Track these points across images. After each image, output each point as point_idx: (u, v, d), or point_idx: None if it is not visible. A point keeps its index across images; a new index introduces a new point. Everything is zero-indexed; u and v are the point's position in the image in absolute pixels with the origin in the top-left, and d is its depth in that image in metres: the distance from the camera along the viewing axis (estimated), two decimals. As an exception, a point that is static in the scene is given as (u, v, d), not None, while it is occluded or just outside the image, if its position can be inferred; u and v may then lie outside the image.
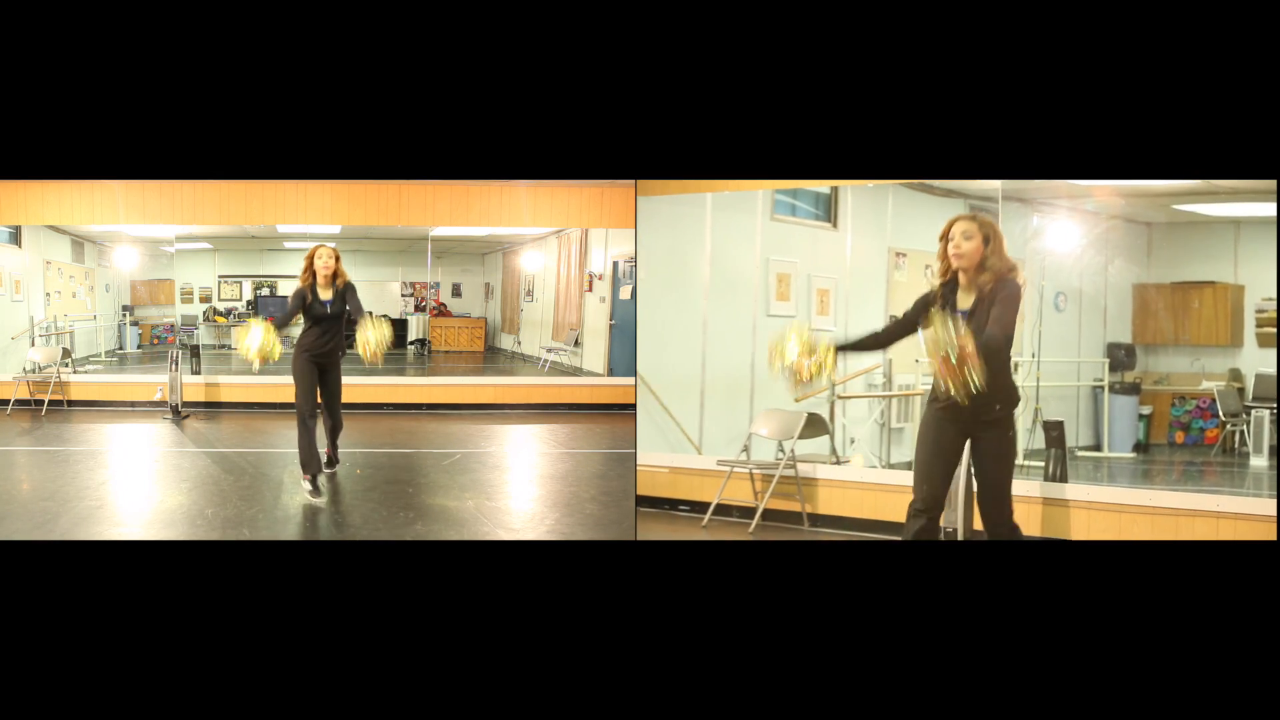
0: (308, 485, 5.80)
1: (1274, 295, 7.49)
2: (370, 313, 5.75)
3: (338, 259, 6.00)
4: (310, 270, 5.93)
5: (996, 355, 3.75)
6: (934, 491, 3.94)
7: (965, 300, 3.89)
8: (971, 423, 3.89)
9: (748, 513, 6.15)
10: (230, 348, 14.64)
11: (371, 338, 5.58)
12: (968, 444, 4.00)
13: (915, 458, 4.05)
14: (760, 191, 6.78)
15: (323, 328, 5.97)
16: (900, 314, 4.10)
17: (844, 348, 4.04)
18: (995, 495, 3.96)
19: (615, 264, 10.91)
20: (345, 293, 5.96)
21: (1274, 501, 4.91)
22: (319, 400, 6.05)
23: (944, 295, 3.93)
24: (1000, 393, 3.84)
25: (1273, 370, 7.48)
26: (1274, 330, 7.52)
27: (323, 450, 6.17)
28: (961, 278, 3.90)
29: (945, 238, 3.92)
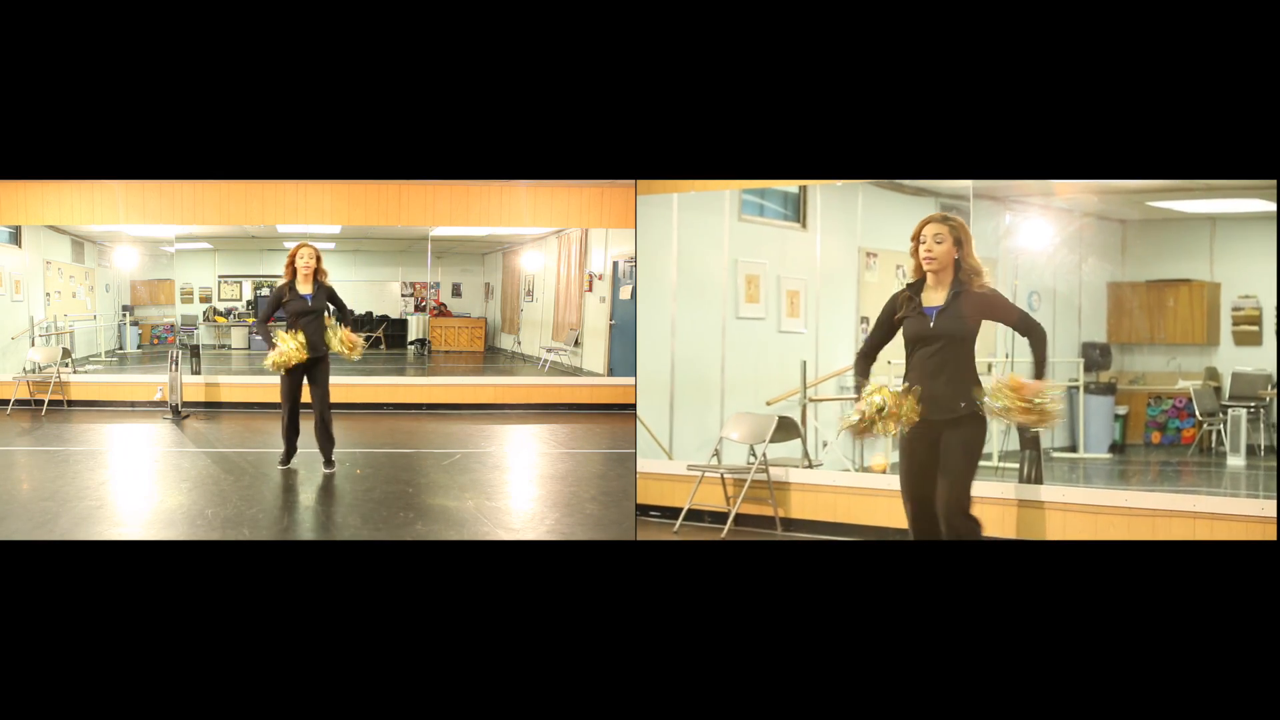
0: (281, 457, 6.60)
1: (1249, 292, 7.46)
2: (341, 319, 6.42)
3: (319, 258, 6.34)
4: (291, 266, 6.31)
5: (1039, 334, 3.98)
6: (920, 508, 3.94)
7: (935, 298, 3.94)
8: (940, 425, 3.90)
9: (720, 517, 6.12)
10: (230, 347, 14.64)
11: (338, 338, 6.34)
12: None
13: (900, 474, 4.03)
14: (727, 191, 6.71)
15: (303, 323, 6.26)
16: (871, 315, 4.14)
17: (859, 383, 4.07)
18: (952, 482, 3.89)
19: (615, 264, 10.92)
20: (330, 294, 6.40)
21: (1251, 502, 4.90)
22: (308, 400, 6.44)
23: (910, 295, 3.98)
24: (964, 389, 3.89)
25: (1249, 369, 7.45)
26: (1252, 329, 7.51)
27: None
28: (930, 278, 3.95)
29: (917, 239, 3.95)
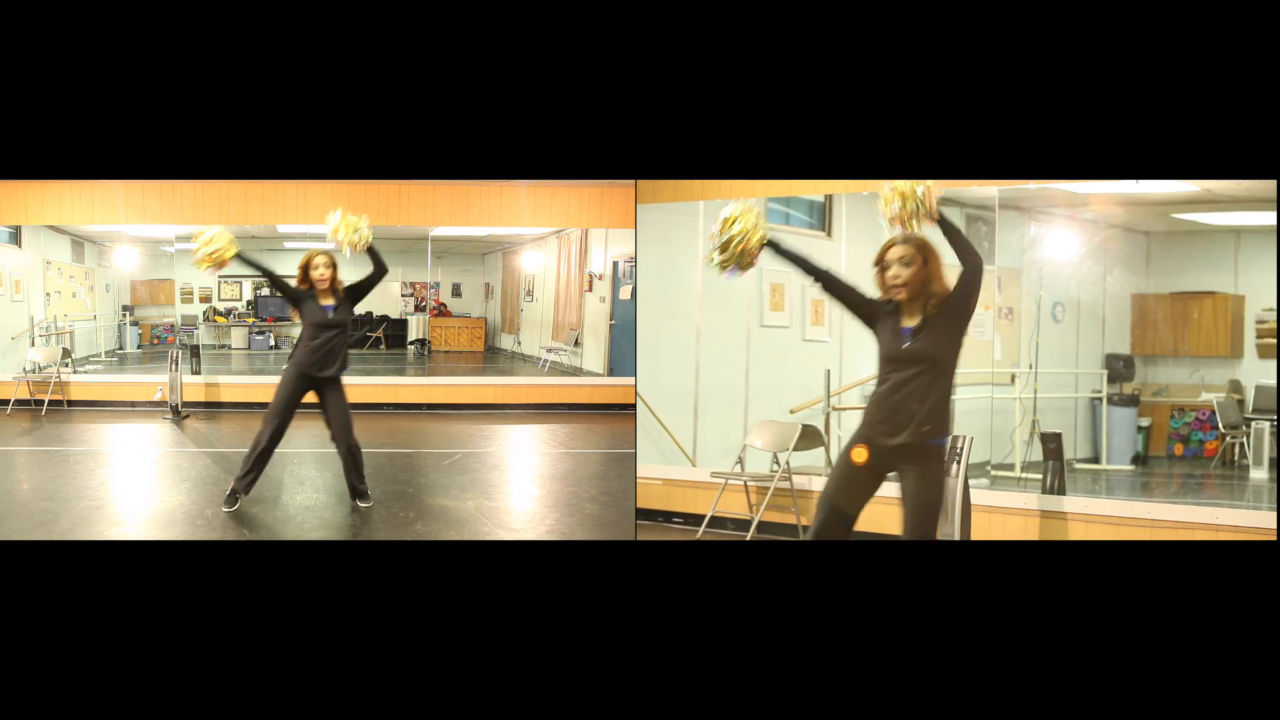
0: (228, 492, 5.55)
1: (1274, 305, 7.44)
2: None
3: (334, 267, 5.47)
4: (306, 279, 5.45)
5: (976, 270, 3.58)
6: (834, 520, 3.69)
7: (910, 320, 3.66)
8: (899, 453, 3.62)
9: (743, 525, 6.13)
10: (230, 347, 14.63)
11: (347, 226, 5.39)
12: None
13: (828, 479, 3.80)
14: (753, 200, 6.74)
15: (321, 336, 5.42)
16: (855, 290, 3.75)
17: (780, 249, 3.79)
18: (921, 519, 3.61)
19: (615, 264, 10.91)
20: (354, 295, 5.53)
21: (1274, 515, 4.89)
22: (328, 429, 5.55)
23: (890, 315, 3.70)
24: (934, 417, 3.58)
25: (1273, 382, 7.44)
26: (1274, 341, 7.49)
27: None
28: (904, 304, 3.67)
29: (880, 264, 3.68)
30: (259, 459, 5.46)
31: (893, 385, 3.64)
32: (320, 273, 5.41)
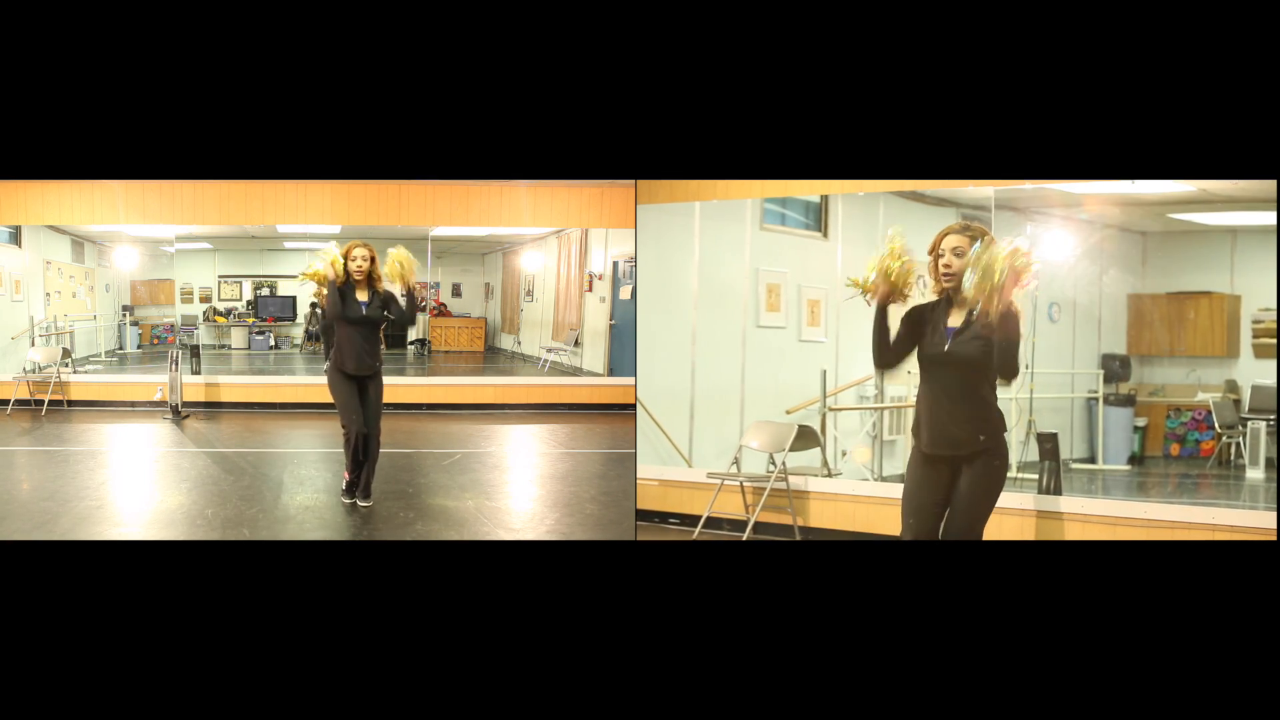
0: (345, 480, 5.68)
1: (1271, 305, 7.43)
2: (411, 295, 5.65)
3: (373, 260, 5.55)
4: (344, 270, 5.50)
5: (1008, 375, 3.53)
6: (921, 525, 3.65)
7: (956, 318, 3.61)
8: (957, 460, 3.61)
9: (739, 525, 6.13)
10: (230, 347, 14.63)
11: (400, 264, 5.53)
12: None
13: (904, 488, 3.75)
14: (749, 200, 6.72)
15: (359, 334, 5.50)
16: (892, 325, 3.73)
17: (878, 326, 3.72)
18: (964, 523, 3.59)
19: (615, 264, 10.92)
20: (386, 300, 5.59)
21: (1270, 514, 4.89)
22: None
23: (935, 312, 3.65)
24: (984, 423, 3.58)
25: (1269, 382, 7.42)
26: (1271, 341, 7.48)
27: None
28: (953, 295, 3.62)
29: (935, 252, 3.63)
30: (354, 458, 5.55)
31: (934, 394, 3.61)
32: (358, 264, 5.48)
